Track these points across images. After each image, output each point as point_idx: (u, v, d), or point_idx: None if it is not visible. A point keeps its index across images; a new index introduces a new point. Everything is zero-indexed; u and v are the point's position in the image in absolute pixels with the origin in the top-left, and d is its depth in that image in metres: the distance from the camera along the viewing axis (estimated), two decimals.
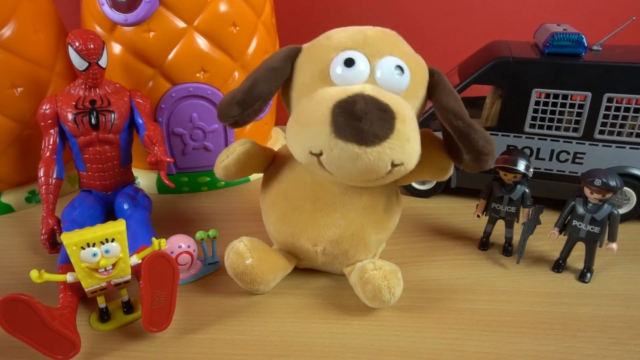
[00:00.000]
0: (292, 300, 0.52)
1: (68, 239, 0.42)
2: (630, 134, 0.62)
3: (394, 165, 0.41)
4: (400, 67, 0.44)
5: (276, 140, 0.90)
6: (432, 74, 0.47)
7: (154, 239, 0.48)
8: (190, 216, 0.70)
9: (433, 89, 0.47)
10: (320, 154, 0.41)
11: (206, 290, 0.54)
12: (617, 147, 0.63)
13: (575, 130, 0.64)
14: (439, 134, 0.50)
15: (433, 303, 0.51)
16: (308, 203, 0.50)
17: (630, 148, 0.63)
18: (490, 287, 0.54)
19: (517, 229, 0.59)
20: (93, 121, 0.59)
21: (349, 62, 0.44)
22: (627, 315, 0.49)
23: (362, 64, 0.44)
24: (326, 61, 0.45)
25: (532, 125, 0.65)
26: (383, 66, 0.44)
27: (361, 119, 0.39)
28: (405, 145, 0.41)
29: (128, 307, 0.49)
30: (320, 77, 0.45)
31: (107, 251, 0.44)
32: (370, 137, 0.39)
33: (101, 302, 0.48)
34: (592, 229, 0.53)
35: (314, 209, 0.50)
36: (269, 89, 0.46)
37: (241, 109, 0.46)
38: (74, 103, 0.59)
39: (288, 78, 0.48)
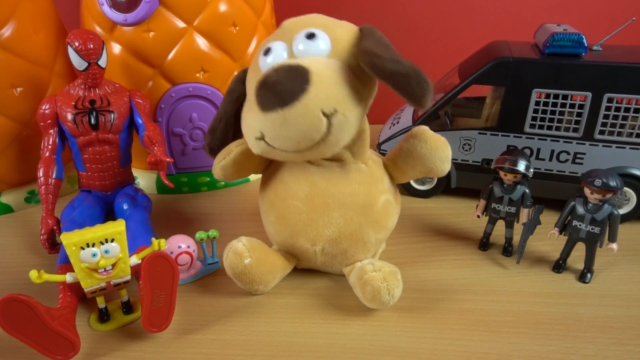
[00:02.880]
0: (291, 300, 0.52)
1: (67, 239, 0.42)
2: (630, 134, 0.62)
3: (327, 115, 0.41)
4: (311, 34, 0.44)
5: None
6: (362, 30, 0.46)
7: (153, 239, 0.48)
8: (190, 216, 0.70)
9: (361, 41, 0.45)
10: (263, 136, 0.43)
11: (206, 291, 0.54)
12: (617, 147, 0.63)
13: (575, 130, 0.64)
14: (438, 134, 0.50)
15: (433, 303, 0.51)
16: (306, 203, 0.50)
17: (630, 148, 0.63)
18: (491, 287, 0.54)
19: (517, 229, 0.59)
20: (93, 121, 0.59)
21: (267, 51, 0.46)
22: (627, 315, 0.49)
23: (279, 48, 0.45)
24: (257, 63, 0.47)
25: (532, 126, 0.65)
26: (297, 40, 0.45)
27: (275, 85, 0.40)
28: (329, 91, 0.41)
29: (128, 308, 0.49)
30: (256, 79, 0.45)
31: (106, 251, 0.44)
32: (287, 95, 0.40)
33: (101, 303, 0.48)
34: (592, 229, 0.53)
35: (312, 208, 0.50)
36: (224, 110, 0.51)
37: (211, 135, 0.52)
38: (73, 103, 0.59)
39: (244, 97, 0.50)
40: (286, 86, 0.40)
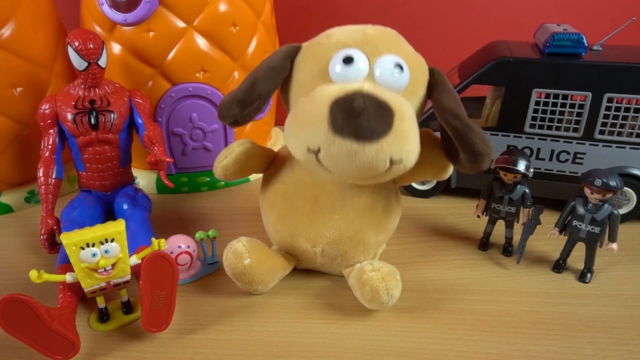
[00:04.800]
0: (291, 300, 0.52)
1: (67, 239, 0.42)
2: (630, 134, 0.62)
3: (392, 162, 0.41)
4: (399, 66, 0.44)
5: (276, 140, 0.90)
6: (432, 73, 0.47)
7: (153, 239, 0.48)
8: (189, 216, 0.70)
9: (432, 88, 0.47)
10: (318, 151, 0.41)
11: (206, 291, 0.54)
12: (617, 147, 0.63)
13: (575, 130, 0.64)
14: (439, 134, 0.50)
15: (433, 303, 0.51)
16: (307, 204, 0.50)
17: (631, 148, 0.63)
18: (491, 287, 0.54)
19: (517, 229, 0.59)
20: (92, 121, 0.59)
21: (348, 60, 0.43)
22: (627, 315, 0.49)
23: (361, 61, 0.43)
24: (325, 59, 0.45)
25: (532, 126, 0.65)
26: (382, 64, 0.43)
27: (359, 116, 0.39)
28: (404, 142, 0.41)
29: (127, 308, 0.49)
30: (320, 75, 0.45)
31: (106, 251, 0.44)
32: (368, 134, 0.39)
33: (101, 303, 0.48)
34: (592, 229, 0.53)
35: (314, 209, 0.50)
36: (268, 88, 0.47)
37: (241, 108, 0.46)
38: (73, 103, 0.59)
39: (287, 77, 0.48)
40: (371, 123, 0.39)
